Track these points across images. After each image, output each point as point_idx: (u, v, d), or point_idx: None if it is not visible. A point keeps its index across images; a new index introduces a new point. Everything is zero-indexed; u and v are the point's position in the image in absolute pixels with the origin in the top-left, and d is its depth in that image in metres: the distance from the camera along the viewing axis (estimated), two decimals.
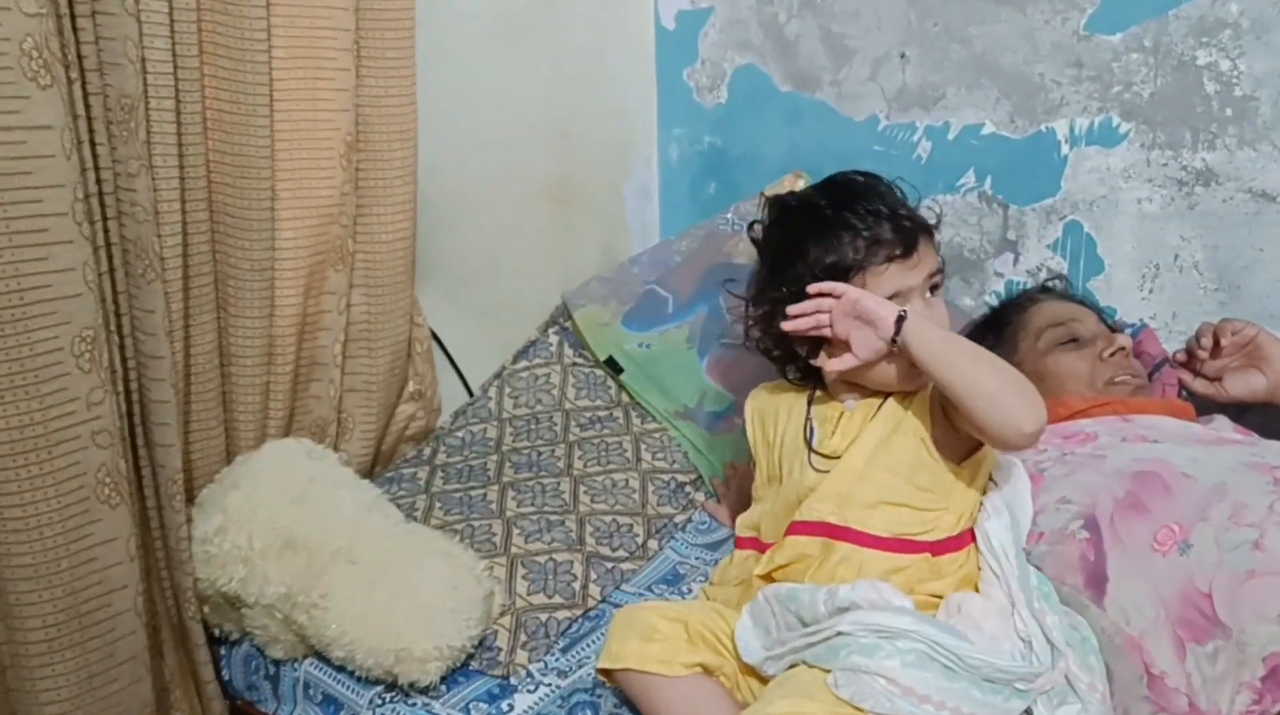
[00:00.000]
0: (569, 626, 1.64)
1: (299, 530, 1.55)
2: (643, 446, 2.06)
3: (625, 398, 2.18)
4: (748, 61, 2.35)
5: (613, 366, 2.18)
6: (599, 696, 1.50)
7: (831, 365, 1.45)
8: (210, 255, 1.63)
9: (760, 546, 1.53)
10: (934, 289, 1.48)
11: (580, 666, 1.57)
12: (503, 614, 1.61)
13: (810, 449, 1.50)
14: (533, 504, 1.86)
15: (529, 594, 1.66)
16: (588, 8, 2.32)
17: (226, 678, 1.69)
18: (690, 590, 1.74)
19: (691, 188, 2.50)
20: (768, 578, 1.47)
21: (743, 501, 1.67)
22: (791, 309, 1.45)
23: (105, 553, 1.43)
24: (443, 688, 1.52)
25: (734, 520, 1.72)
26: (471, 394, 2.19)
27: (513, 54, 2.19)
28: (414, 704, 1.51)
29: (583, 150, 2.37)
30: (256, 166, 1.63)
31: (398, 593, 1.50)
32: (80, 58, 1.39)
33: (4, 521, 1.36)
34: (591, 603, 1.69)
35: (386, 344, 1.90)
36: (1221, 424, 1.71)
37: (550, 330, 2.26)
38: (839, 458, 1.47)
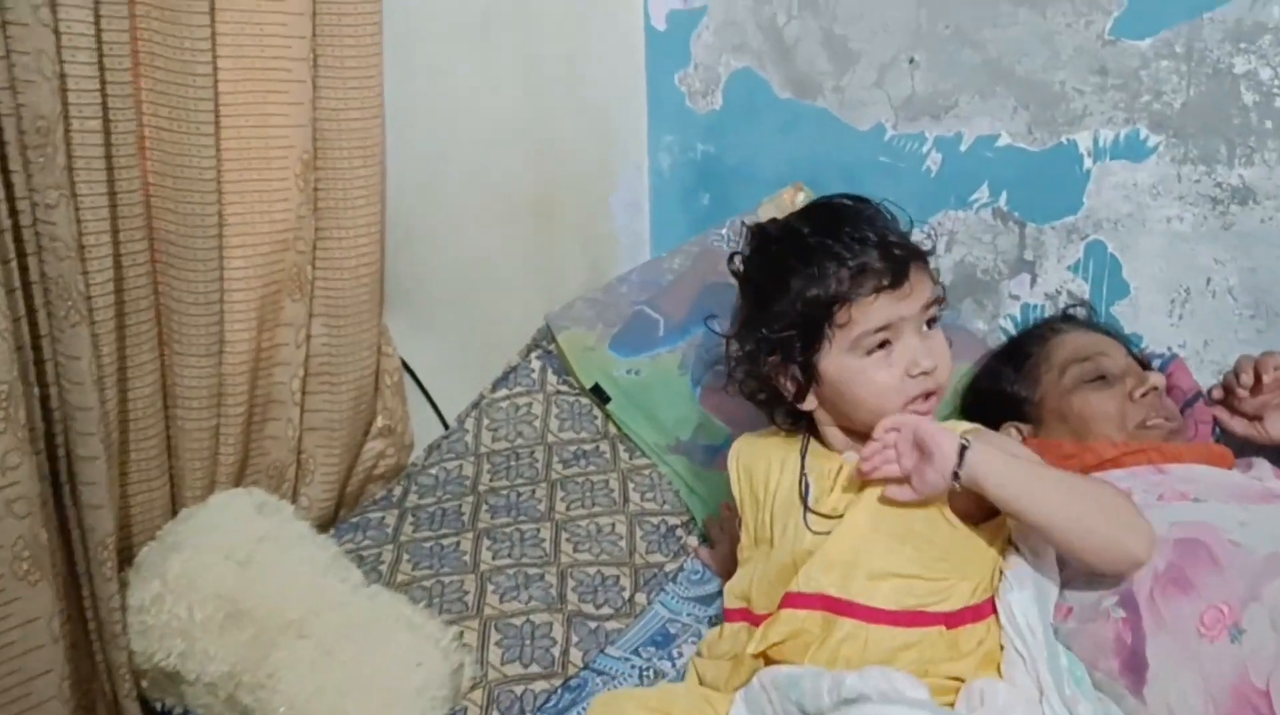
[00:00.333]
0: (547, 700, 1.50)
1: (245, 599, 1.42)
2: (630, 485, 1.92)
3: (613, 429, 2.04)
4: (744, 65, 2.23)
5: (599, 395, 2.05)
6: None
7: (892, 492, 1.31)
8: (150, 289, 1.50)
9: (752, 618, 1.40)
10: (932, 322, 1.36)
11: None
12: (473, 687, 1.47)
13: (806, 507, 1.38)
14: (510, 555, 1.72)
15: (503, 663, 1.51)
16: (571, 8, 2.19)
17: None
18: (681, 654, 1.60)
19: (684, 199, 2.37)
20: (762, 655, 1.33)
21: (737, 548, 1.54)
22: (865, 452, 1.32)
23: (25, 636, 1.29)
24: None
25: (726, 568, 1.62)
26: (447, 427, 2.04)
27: (489, 59, 2.06)
28: None
29: (567, 161, 2.24)
30: (201, 190, 1.50)
31: (355, 670, 1.37)
32: None
33: None
34: (573, 670, 1.54)
35: (350, 378, 1.77)
36: (1263, 469, 1.57)
37: (532, 355, 2.12)
38: (839, 517, 1.35)
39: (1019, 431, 1.66)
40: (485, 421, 2.03)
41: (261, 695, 1.36)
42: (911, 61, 2.03)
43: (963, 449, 1.25)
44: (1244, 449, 1.65)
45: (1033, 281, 1.99)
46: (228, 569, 1.45)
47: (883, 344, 1.33)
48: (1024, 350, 1.75)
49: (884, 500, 1.32)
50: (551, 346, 2.12)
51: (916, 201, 1.98)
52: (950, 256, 2.04)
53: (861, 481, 1.34)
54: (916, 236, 1.39)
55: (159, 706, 1.52)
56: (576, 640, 1.58)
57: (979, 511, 1.33)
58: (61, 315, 1.32)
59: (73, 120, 1.32)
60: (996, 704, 1.22)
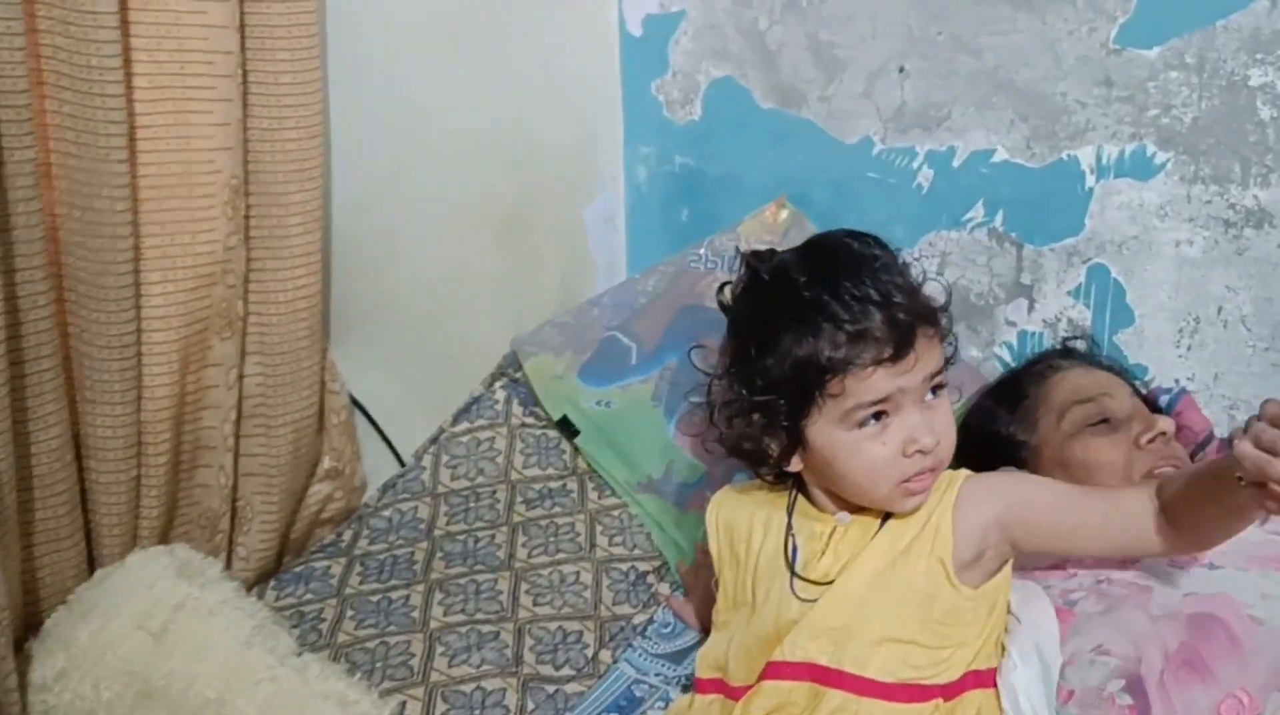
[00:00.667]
0: None
1: (158, 675, 1.31)
2: (598, 528, 1.81)
3: (582, 464, 1.93)
4: (724, 73, 2.12)
5: (566, 428, 1.93)
6: None
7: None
8: (55, 333, 1.37)
9: (728, 691, 1.30)
10: (936, 388, 1.22)
11: None
12: None
13: (793, 572, 1.26)
14: (463, 610, 1.61)
15: None
16: (541, 12, 2.08)
17: None
18: None
19: (663, 214, 2.27)
20: None
21: (713, 597, 1.43)
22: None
23: None
24: None
25: (701, 619, 1.54)
26: (404, 466, 1.92)
27: (451, 68, 1.94)
28: None
29: (537, 174, 2.12)
30: (113, 223, 1.38)
31: None
32: None
33: None
34: None
35: (289, 418, 1.65)
36: None
37: (497, 384, 2.00)
38: (829, 584, 1.24)
39: None
40: (444, 458, 1.92)
41: None
42: (902, 70, 1.94)
43: None
44: None
45: (1030, 307, 1.90)
46: (141, 640, 1.33)
47: (878, 415, 1.20)
48: (1020, 389, 1.63)
49: (886, 564, 1.23)
50: (518, 374, 2.01)
51: (907, 220, 1.96)
52: (942, 279, 1.92)
53: (859, 544, 1.24)
54: (933, 289, 1.25)
55: None
56: (532, 708, 1.47)
57: (985, 571, 1.24)
58: None
59: None
60: None
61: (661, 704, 1.49)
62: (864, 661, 1.19)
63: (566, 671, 1.53)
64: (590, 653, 1.58)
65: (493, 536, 1.77)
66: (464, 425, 1.94)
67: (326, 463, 1.77)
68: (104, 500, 1.46)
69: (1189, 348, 1.78)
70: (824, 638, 1.22)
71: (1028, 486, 1.30)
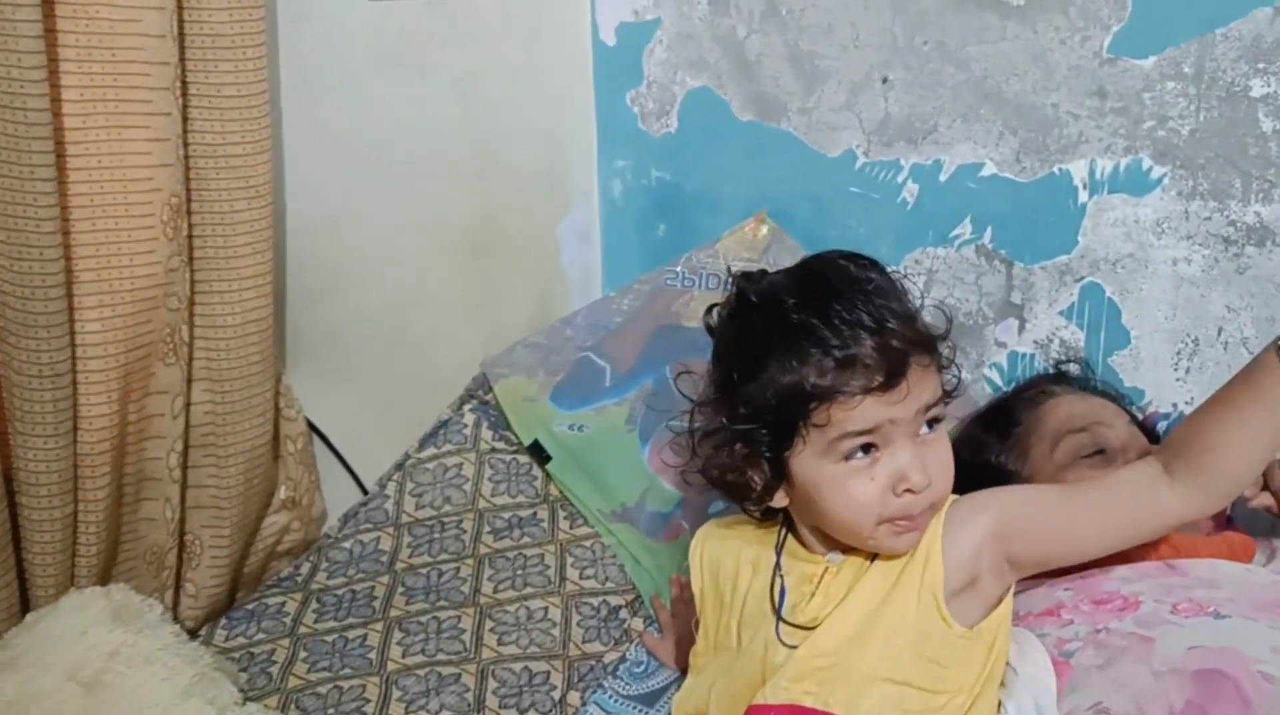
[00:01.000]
0: None
1: None
2: (569, 560, 1.73)
3: (553, 491, 1.85)
4: (701, 84, 2.05)
5: (538, 453, 1.86)
6: None
7: None
8: None
9: None
10: (933, 422, 1.15)
11: None
12: None
13: (779, 618, 1.19)
14: (423, 651, 1.54)
15: None
16: (511, 22, 2.00)
17: None
18: None
19: (639, 230, 2.20)
20: None
21: (689, 633, 1.38)
22: None
23: None
24: None
25: (677, 657, 1.49)
26: (366, 494, 1.84)
27: (416, 79, 1.87)
28: None
29: (507, 189, 2.05)
30: (41, 245, 1.29)
31: None
32: None
33: None
34: None
35: (240, 447, 1.57)
36: None
37: (466, 407, 1.92)
38: (816, 628, 1.17)
39: None
40: (409, 485, 1.84)
41: None
42: (886, 81, 1.87)
43: None
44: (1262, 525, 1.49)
45: (1021, 327, 1.83)
46: (70, 693, 1.24)
47: (867, 448, 1.12)
48: (1011, 416, 1.55)
49: (878, 601, 1.16)
50: (489, 396, 1.94)
51: (891, 237, 1.89)
52: (929, 298, 1.86)
53: (850, 583, 1.17)
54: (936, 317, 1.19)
55: None
56: None
57: (980, 608, 1.17)
58: None
59: None
60: None
61: None
62: (855, 703, 1.13)
63: None
64: (558, 695, 1.51)
65: (457, 570, 1.69)
66: (430, 451, 1.87)
67: (283, 493, 1.70)
68: (37, 538, 1.38)
69: (1187, 371, 1.72)
70: (809, 678, 1.15)
71: (1015, 492, 1.26)
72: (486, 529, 1.77)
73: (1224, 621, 1.17)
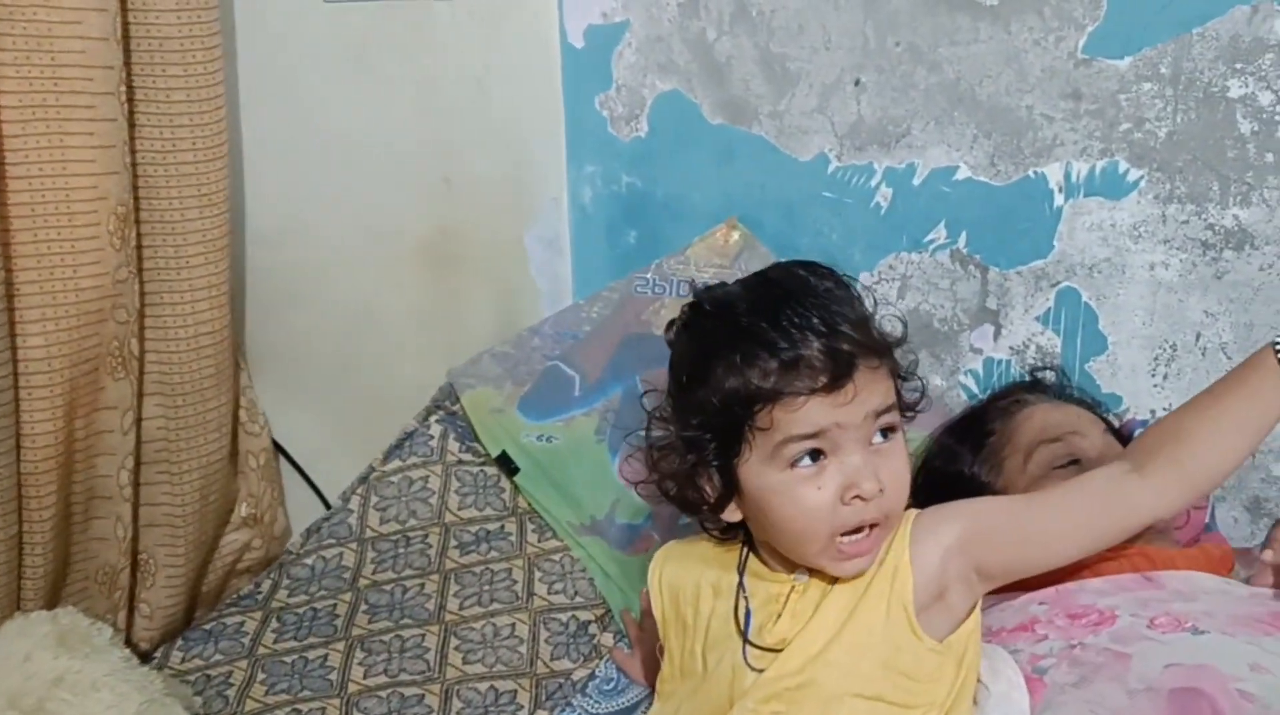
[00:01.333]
0: None
1: None
2: (537, 574, 1.70)
3: (522, 503, 1.82)
4: (671, 87, 2.02)
5: (505, 465, 1.83)
6: None
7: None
8: None
9: None
10: (889, 431, 1.11)
11: None
12: None
13: (746, 641, 1.15)
14: (385, 671, 1.50)
15: None
16: (476, 24, 1.96)
17: None
18: None
19: (609, 236, 2.16)
20: None
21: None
22: None
23: None
24: None
25: (647, 673, 1.44)
26: (329, 508, 1.80)
27: (377, 83, 1.84)
28: None
29: (473, 195, 2.01)
30: None
31: None
32: None
33: None
34: None
35: (196, 463, 1.55)
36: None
37: (432, 418, 1.89)
38: (783, 650, 1.14)
39: None
40: (373, 499, 1.80)
41: None
42: (858, 83, 1.85)
43: None
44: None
45: (997, 333, 1.82)
46: None
47: (815, 455, 1.09)
48: (984, 426, 1.52)
49: (846, 616, 1.13)
50: (455, 407, 1.91)
51: (865, 242, 1.86)
52: (903, 304, 1.87)
53: (818, 600, 1.14)
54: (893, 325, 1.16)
55: None
56: None
57: (948, 620, 1.14)
58: None
59: None
60: None
61: None
62: None
63: None
64: (525, 713, 1.47)
65: (422, 586, 1.66)
66: (395, 463, 1.83)
67: (243, 510, 1.67)
68: None
69: (1165, 377, 1.71)
70: (777, 699, 1.12)
71: (981, 501, 1.26)
72: (453, 543, 1.74)
73: (1202, 637, 1.14)
